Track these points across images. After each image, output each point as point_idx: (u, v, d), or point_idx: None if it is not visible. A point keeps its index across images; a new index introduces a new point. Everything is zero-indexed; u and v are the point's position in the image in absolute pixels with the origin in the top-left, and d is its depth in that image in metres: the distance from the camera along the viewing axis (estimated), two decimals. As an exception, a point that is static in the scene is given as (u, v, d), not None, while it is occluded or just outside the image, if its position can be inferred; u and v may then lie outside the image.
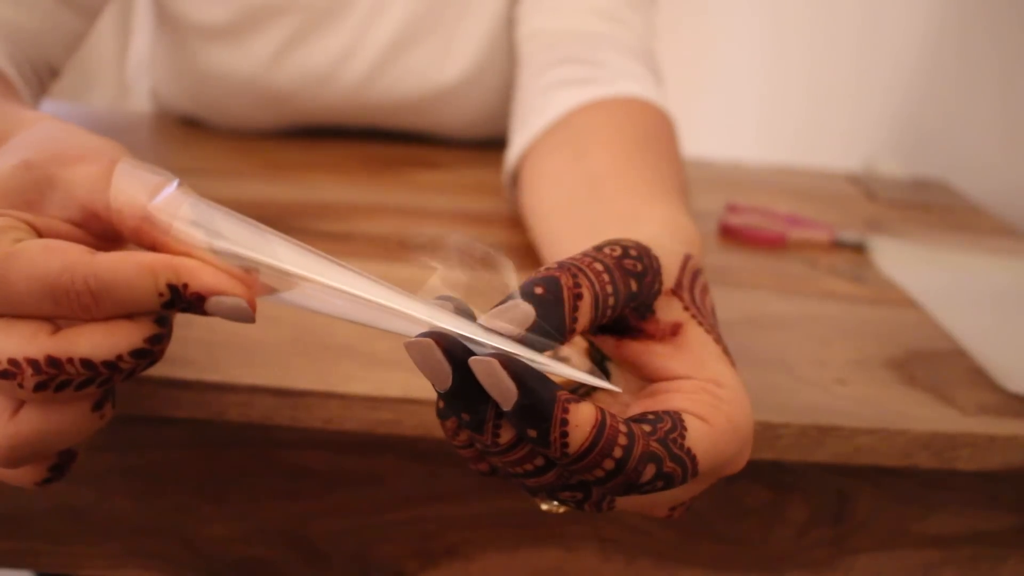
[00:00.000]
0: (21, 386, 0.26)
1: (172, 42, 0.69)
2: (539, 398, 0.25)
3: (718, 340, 0.31)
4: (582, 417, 0.25)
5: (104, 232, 0.30)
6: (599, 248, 0.29)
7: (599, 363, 0.33)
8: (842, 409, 0.41)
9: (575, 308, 0.27)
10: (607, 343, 0.31)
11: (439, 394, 0.26)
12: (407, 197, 0.63)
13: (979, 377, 0.46)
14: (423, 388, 0.39)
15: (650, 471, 0.26)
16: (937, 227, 0.70)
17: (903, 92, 1.04)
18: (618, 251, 0.29)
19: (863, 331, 0.50)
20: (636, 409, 0.30)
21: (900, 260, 0.60)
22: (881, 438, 0.40)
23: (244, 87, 0.68)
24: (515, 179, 0.58)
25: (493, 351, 0.25)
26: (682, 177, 0.50)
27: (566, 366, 0.26)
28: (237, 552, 0.45)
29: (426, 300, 0.27)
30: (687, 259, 0.32)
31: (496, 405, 0.25)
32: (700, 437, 0.28)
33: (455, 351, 0.25)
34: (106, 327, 0.27)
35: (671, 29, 0.93)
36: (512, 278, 0.27)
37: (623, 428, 0.26)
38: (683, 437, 0.27)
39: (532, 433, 0.25)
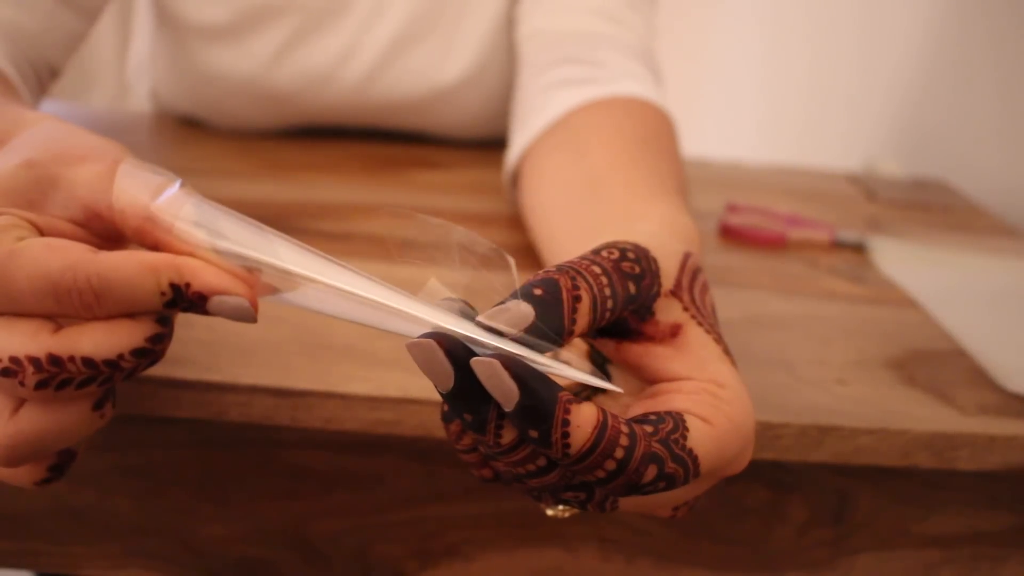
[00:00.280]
0: (22, 384, 0.26)
1: (172, 42, 0.69)
2: (541, 399, 0.25)
3: (718, 340, 0.31)
4: (584, 418, 0.25)
5: (106, 232, 0.30)
6: (597, 251, 0.29)
7: (599, 366, 0.33)
8: (842, 409, 0.41)
9: (574, 310, 0.27)
10: (607, 346, 0.31)
11: (441, 395, 0.26)
12: (407, 197, 0.63)
13: (979, 377, 0.46)
14: (423, 388, 0.39)
15: (652, 472, 0.26)
16: (937, 227, 0.70)
17: (903, 92, 1.04)
18: (616, 254, 0.29)
19: (863, 331, 0.50)
20: (637, 410, 0.30)
21: (900, 260, 0.60)
22: (881, 438, 0.40)
23: (244, 87, 0.68)
24: (515, 179, 0.58)
25: (495, 352, 0.25)
26: (682, 176, 0.50)
27: (567, 367, 0.26)
28: (237, 552, 0.45)
29: (428, 301, 0.27)
30: (686, 258, 0.32)
31: (498, 406, 0.25)
32: (702, 438, 0.28)
33: (457, 352, 0.25)
34: (108, 326, 0.27)
35: (671, 29, 0.93)
36: (515, 276, 0.27)
37: (625, 429, 0.26)
38: (685, 438, 0.27)
39: (534, 434, 0.25)
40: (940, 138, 0.95)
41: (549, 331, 0.26)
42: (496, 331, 0.26)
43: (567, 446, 0.25)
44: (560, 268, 0.28)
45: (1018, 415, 0.42)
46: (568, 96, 0.55)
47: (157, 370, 0.38)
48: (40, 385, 0.26)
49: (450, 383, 0.25)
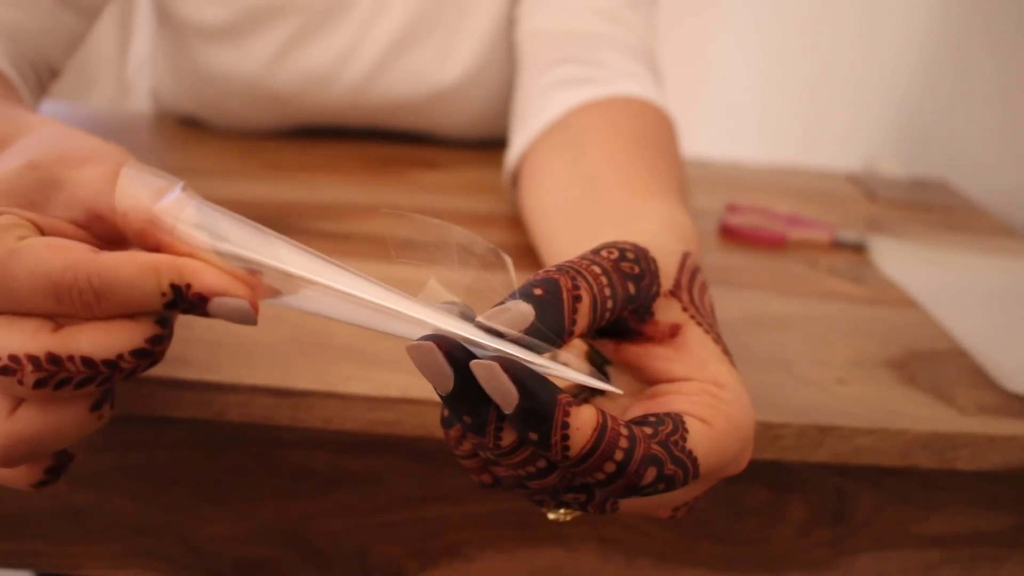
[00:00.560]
0: (21, 383, 0.26)
1: (172, 42, 0.70)
2: (540, 401, 0.25)
3: (717, 340, 0.31)
4: (583, 420, 0.25)
5: (108, 234, 0.30)
6: (596, 251, 0.29)
7: (599, 367, 0.33)
8: (842, 409, 0.41)
9: (574, 310, 0.27)
10: (606, 347, 0.31)
11: (440, 397, 0.26)
12: (407, 197, 0.63)
13: (979, 377, 0.46)
14: (423, 388, 0.39)
15: (651, 474, 0.26)
16: (937, 227, 0.70)
17: (903, 92, 1.04)
18: (615, 254, 0.29)
19: (863, 331, 0.50)
20: (636, 411, 0.30)
21: (900, 260, 0.60)
22: (881, 438, 0.40)
23: (244, 88, 0.68)
24: (515, 179, 0.58)
25: (494, 354, 0.25)
26: (681, 176, 0.50)
27: (566, 368, 0.26)
28: (237, 552, 0.45)
29: (428, 303, 0.27)
30: (685, 258, 0.32)
31: (498, 408, 0.25)
32: (701, 439, 0.28)
33: (456, 354, 0.25)
34: (108, 326, 0.27)
35: (671, 29, 0.93)
36: (512, 276, 0.27)
37: (624, 431, 0.26)
38: (684, 439, 0.27)
39: (533, 436, 0.25)
40: (940, 138, 0.95)
41: (549, 331, 0.26)
42: (496, 332, 0.26)
43: (567, 448, 0.25)
44: (560, 268, 0.28)
45: (1018, 415, 0.42)
46: (568, 96, 0.55)
47: (157, 370, 0.38)
48: (38, 384, 0.26)
49: (449, 385, 0.25)
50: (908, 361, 0.47)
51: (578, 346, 0.34)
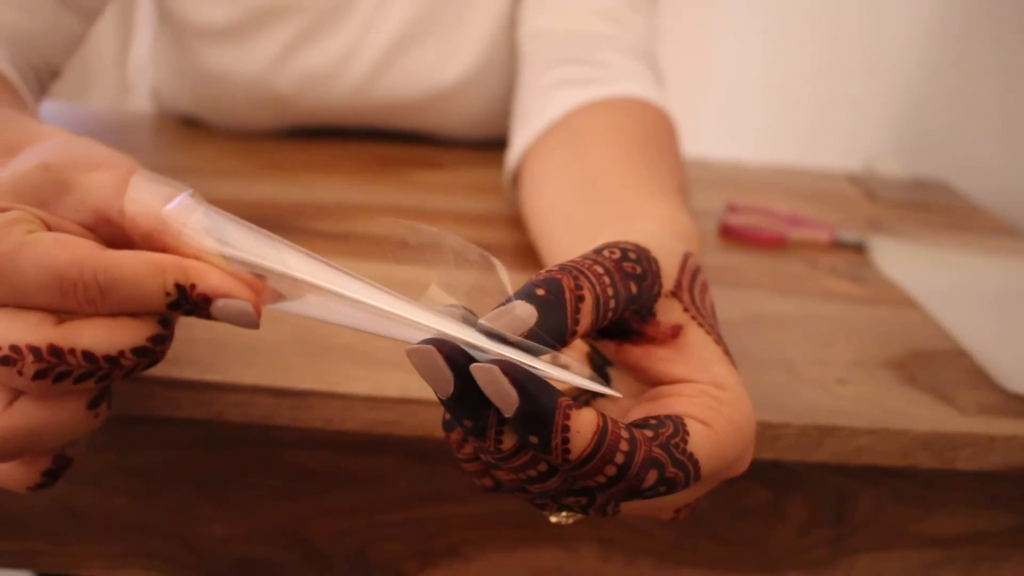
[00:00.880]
0: (20, 373, 0.26)
1: (173, 42, 0.70)
2: (540, 405, 0.25)
3: (718, 341, 0.31)
4: (583, 423, 0.25)
5: (115, 238, 0.30)
6: (598, 251, 0.29)
7: (600, 368, 0.33)
8: (842, 409, 0.41)
9: (577, 310, 0.27)
10: (608, 347, 0.31)
11: (441, 401, 0.26)
12: (407, 197, 0.63)
13: (979, 377, 0.46)
14: (423, 388, 0.39)
15: (652, 477, 0.26)
16: (937, 227, 0.70)
17: (903, 92, 1.04)
18: (617, 253, 0.29)
19: (863, 331, 0.50)
20: (637, 413, 0.30)
21: (900, 260, 0.60)
22: (881, 438, 0.40)
23: (245, 88, 0.68)
24: (516, 179, 0.58)
25: (495, 358, 0.25)
26: (682, 176, 0.50)
27: (566, 372, 0.26)
28: (237, 552, 0.45)
29: (432, 308, 0.27)
30: (686, 258, 0.32)
31: (498, 411, 0.25)
32: (702, 441, 0.28)
33: (456, 358, 0.25)
34: (110, 322, 0.27)
35: (672, 29, 0.93)
36: (507, 283, 0.27)
37: (625, 434, 0.26)
38: (685, 442, 0.27)
39: (534, 439, 0.25)
40: (940, 138, 0.95)
41: (552, 331, 0.26)
42: (497, 335, 0.26)
43: (567, 452, 0.25)
44: (562, 267, 0.28)
45: (1018, 415, 0.42)
46: (569, 96, 0.55)
47: (157, 370, 0.38)
48: (38, 375, 0.26)
49: (450, 389, 0.25)
50: (908, 361, 0.47)
51: (580, 347, 0.34)
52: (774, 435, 0.40)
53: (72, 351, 0.26)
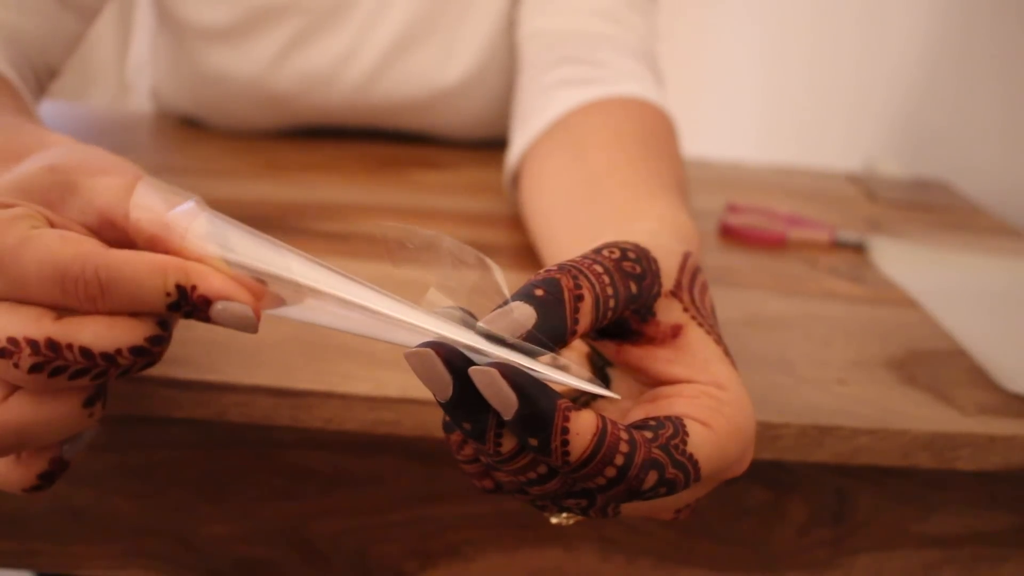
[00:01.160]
0: (16, 366, 0.26)
1: (173, 43, 0.70)
2: (539, 407, 0.25)
3: (718, 341, 0.31)
4: (583, 425, 0.25)
5: (118, 241, 0.30)
6: (598, 250, 0.29)
7: (600, 368, 0.33)
8: (842, 409, 0.41)
9: (576, 310, 0.27)
10: (608, 348, 0.31)
11: (440, 404, 0.26)
12: (407, 197, 0.63)
13: (979, 377, 0.46)
14: (423, 388, 0.38)
15: (652, 478, 0.26)
16: (937, 227, 0.70)
17: (904, 92, 1.04)
18: (617, 253, 0.29)
19: (863, 331, 0.50)
20: (637, 414, 0.30)
21: (900, 260, 0.60)
22: (881, 438, 0.40)
23: (245, 89, 0.68)
24: (515, 179, 0.58)
25: (493, 360, 0.25)
26: (682, 176, 0.50)
27: (565, 374, 0.26)
28: (237, 552, 0.45)
29: (433, 311, 0.27)
30: (686, 258, 0.32)
31: (497, 414, 0.25)
32: (702, 442, 0.28)
33: (455, 361, 0.25)
34: (110, 320, 0.27)
35: (671, 29, 0.93)
36: (503, 285, 0.27)
37: (624, 436, 0.26)
38: (685, 443, 0.27)
39: (533, 442, 0.25)
40: (941, 138, 0.95)
41: (552, 331, 0.26)
42: (496, 337, 0.26)
43: (567, 454, 0.25)
44: (562, 267, 0.28)
45: (1018, 415, 0.42)
46: (568, 96, 0.55)
47: (157, 370, 0.38)
48: (34, 368, 0.26)
49: (449, 392, 0.25)
50: (908, 361, 0.47)
51: (579, 348, 0.34)
52: (774, 435, 0.40)
53: (70, 346, 0.26)
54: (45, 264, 0.26)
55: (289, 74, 0.67)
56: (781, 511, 0.45)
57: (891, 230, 0.67)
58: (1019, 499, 0.45)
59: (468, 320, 0.27)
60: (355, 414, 0.39)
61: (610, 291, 0.28)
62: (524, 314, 0.26)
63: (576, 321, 0.27)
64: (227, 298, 0.28)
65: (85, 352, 0.27)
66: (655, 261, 0.30)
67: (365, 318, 0.27)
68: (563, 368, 0.26)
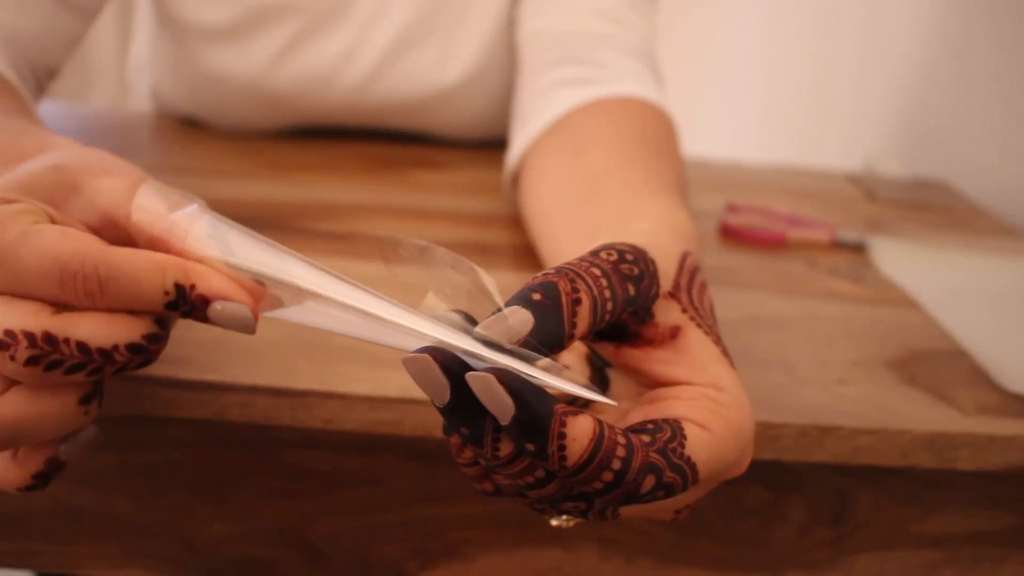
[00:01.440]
0: (13, 358, 0.26)
1: (173, 43, 0.70)
2: (536, 412, 0.25)
3: (717, 341, 0.31)
4: (579, 430, 0.25)
5: (119, 242, 0.30)
6: (595, 252, 0.29)
7: (599, 369, 0.33)
8: (842, 409, 0.41)
9: (574, 314, 0.27)
10: (606, 350, 0.31)
11: (437, 409, 0.26)
12: (407, 197, 0.63)
13: (979, 377, 0.46)
14: (423, 388, 0.39)
15: (650, 482, 0.26)
16: (937, 227, 0.70)
17: (904, 92, 1.04)
18: (614, 255, 0.29)
19: (863, 331, 0.50)
20: (636, 416, 0.30)
21: (900, 260, 0.60)
22: (881, 438, 0.40)
23: (245, 89, 0.68)
24: (515, 179, 0.58)
25: (490, 365, 0.25)
26: (682, 176, 0.50)
27: (561, 379, 0.26)
28: (237, 552, 0.45)
29: (433, 315, 0.27)
30: (684, 258, 0.32)
31: (495, 419, 0.25)
32: (700, 445, 0.28)
33: (452, 366, 0.25)
34: (107, 316, 0.27)
35: (671, 29, 0.93)
36: (496, 294, 0.27)
37: (621, 440, 0.26)
38: (683, 446, 0.27)
39: (530, 447, 0.25)
40: (940, 138, 0.95)
41: (549, 335, 0.26)
42: (494, 342, 0.26)
43: (564, 458, 0.25)
44: (559, 270, 0.28)
45: (1018, 415, 0.42)
46: (568, 96, 0.55)
47: (157, 370, 0.38)
48: (30, 361, 0.26)
49: (446, 397, 0.25)
50: (908, 361, 0.47)
51: (579, 348, 0.34)
52: (774, 435, 0.40)
53: (67, 340, 0.26)
54: (45, 259, 0.26)
55: (289, 74, 0.67)
56: (781, 511, 0.45)
57: (891, 230, 0.67)
58: (1019, 499, 0.45)
59: (468, 324, 0.27)
60: (355, 414, 0.39)
61: (608, 294, 0.28)
62: (521, 319, 0.26)
63: (574, 325, 0.27)
64: (225, 298, 0.28)
65: (82, 347, 0.27)
66: (653, 262, 0.30)
67: (364, 322, 0.27)
68: (560, 372, 0.26)
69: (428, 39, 0.68)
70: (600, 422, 0.26)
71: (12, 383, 0.28)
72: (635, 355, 0.31)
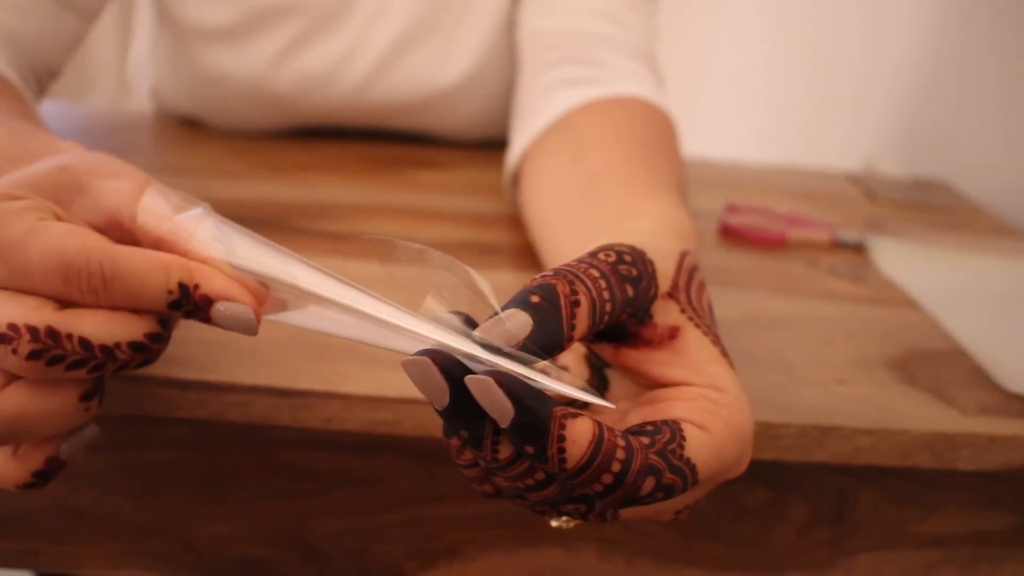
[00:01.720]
0: (15, 352, 0.26)
1: (173, 43, 0.70)
2: (535, 415, 0.25)
3: (716, 341, 0.31)
4: (579, 433, 0.25)
5: (124, 243, 0.31)
6: (593, 253, 0.29)
7: (598, 370, 0.33)
8: (842, 409, 0.41)
9: (572, 315, 0.27)
10: (605, 351, 0.31)
11: (437, 411, 0.26)
12: (407, 197, 0.63)
13: (979, 377, 0.46)
14: (423, 388, 0.39)
15: (649, 483, 0.26)
16: (937, 227, 0.70)
17: (904, 92, 1.04)
18: (612, 256, 0.29)
19: (863, 331, 0.50)
20: (635, 417, 0.30)
21: (900, 260, 0.60)
22: (881, 438, 0.40)
23: (245, 89, 0.68)
24: (515, 179, 0.58)
25: (489, 368, 0.25)
26: (681, 175, 0.50)
27: (560, 383, 0.26)
28: (237, 552, 0.45)
29: (433, 317, 0.27)
30: (683, 257, 0.32)
31: (494, 422, 0.25)
32: (699, 446, 0.28)
33: (451, 369, 0.25)
34: (110, 314, 0.27)
35: (671, 29, 0.93)
36: (491, 296, 0.27)
37: (621, 442, 0.26)
38: (682, 447, 0.27)
39: (530, 449, 0.25)
40: (941, 138, 0.95)
41: (548, 338, 0.26)
42: (493, 344, 0.26)
43: (563, 461, 0.25)
44: (558, 272, 0.28)
45: (1018, 415, 0.42)
46: (568, 96, 0.55)
47: (157, 370, 0.38)
48: (32, 355, 0.26)
49: (445, 400, 0.25)
50: (908, 361, 0.47)
51: (578, 349, 0.34)
52: (774, 435, 0.40)
53: (69, 336, 0.27)
54: (50, 254, 0.27)
55: (289, 75, 0.67)
56: (781, 511, 0.45)
57: (891, 230, 0.67)
58: (1019, 499, 0.45)
59: (467, 327, 0.27)
60: (355, 414, 0.39)
61: (606, 295, 0.28)
62: (520, 321, 0.26)
63: (573, 327, 0.27)
64: (228, 299, 0.28)
65: (84, 343, 0.27)
66: (651, 263, 0.30)
67: (366, 325, 0.27)
68: (559, 375, 0.26)
69: (428, 39, 0.68)
70: (599, 424, 0.26)
71: (13, 378, 0.28)
72: (634, 356, 0.31)
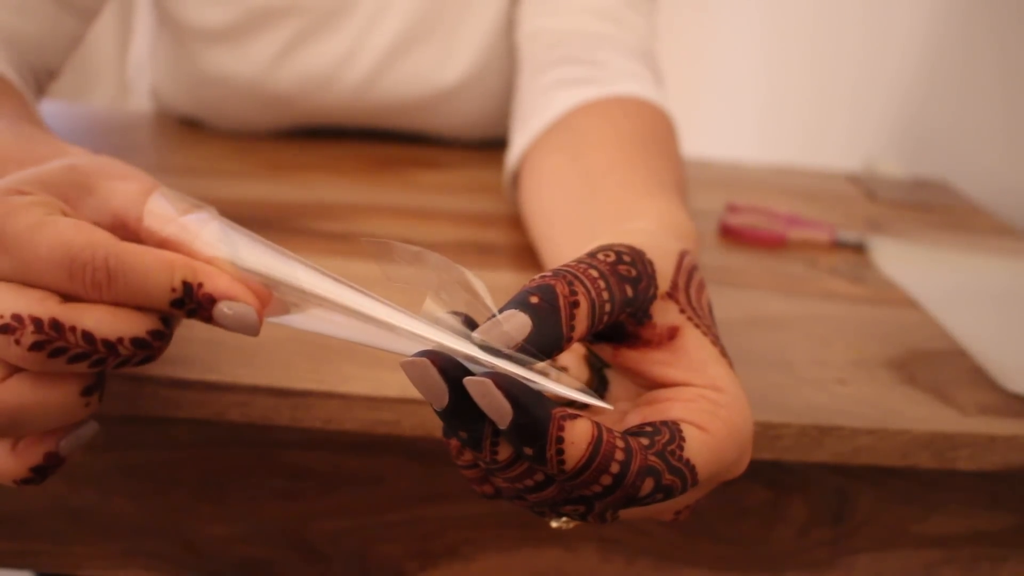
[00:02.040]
0: (18, 342, 0.27)
1: (173, 43, 0.70)
2: (534, 417, 0.25)
3: (715, 341, 0.31)
4: (578, 434, 0.25)
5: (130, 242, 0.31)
6: (593, 254, 0.29)
7: (598, 370, 0.33)
8: (842, 409, 0.41)
9: (572, 316, 0.27)
10: (604, 351, 0.31)
11: (436, 413, 0.26)
12: (407, 197, 0.63)
13: (979, 377, 0.46)
14: (423, 388, 0.39)
15: (649, 485, 0.26)
16: (937, 227, 0.70)
17: (904, 92, 1.04)
18: (612, 256, 0.29)
19: (863, 331, 0.50)
20: (634, 417, 0.30)
21: (900, 260, 0.60)
22: (881, 438, 0.40)
23: (245, 89, 0.68)
24: (515, 179, 0.58)
25: (488, 370, 0.25)
26: (681, 175, 0.50)
27: (558, 384, 0.26)
28: (237, 552, 0.45)
29: (434, 318, 0.27)
30: (682, 257, 0.32)
31: (493, 423, 0.25)
32: (699, 447, 0.28)
33: (450, 370, 0.25)
34: (114, 309, 0.28)
35: (671, 29, 0.93)
36: (488, 298, 0.27)
37: (620, 443, 0.26)
38: (681, 448, 0.27)
39: (529, 451, 0.25)
40: (941, 138, 0.95)
41: (547, 339, 0.26)
42: (492, 346, 0.26)
43: (562, 462, 0.25)
44: (557, 273, 0.28)
45: (1018, 415, 0.42)
46: (568, 96, 0.55)
47: (157, 370, 0.38)
48: (35, 346, 0.27)
49: (444, 401, 0.25)
50: (908, 361, 0.47)
51: (577, 349, 0.34)
52: (774, 435, 0.40)
53: (72, 329, 0.27)
54: (56, 248, 0.27)
55: (289, 75, 0.67)
56: (781, 511, 0.45)
57: (891, 230, 0.67)
58: (1019, 499, 0.45)
59: (466, 328, 0.27)
60: (355, 414, 0.39)
61: (606, 296, 0.28)
62: (519, 322, 0.26)
63: (572, 328, 0.27)
64: (232, 298, 0.28)
65: (87, 336, 0.27)
66: (650, 263, 0.30)
67: (367, 327, 0.27)
68: (558, 376, 0.26)
69: (428, 39, 0.68)
70: (598, 425, 0.26)
71: (15, 370, 0.28)
72: (633, 356, 0.31)
